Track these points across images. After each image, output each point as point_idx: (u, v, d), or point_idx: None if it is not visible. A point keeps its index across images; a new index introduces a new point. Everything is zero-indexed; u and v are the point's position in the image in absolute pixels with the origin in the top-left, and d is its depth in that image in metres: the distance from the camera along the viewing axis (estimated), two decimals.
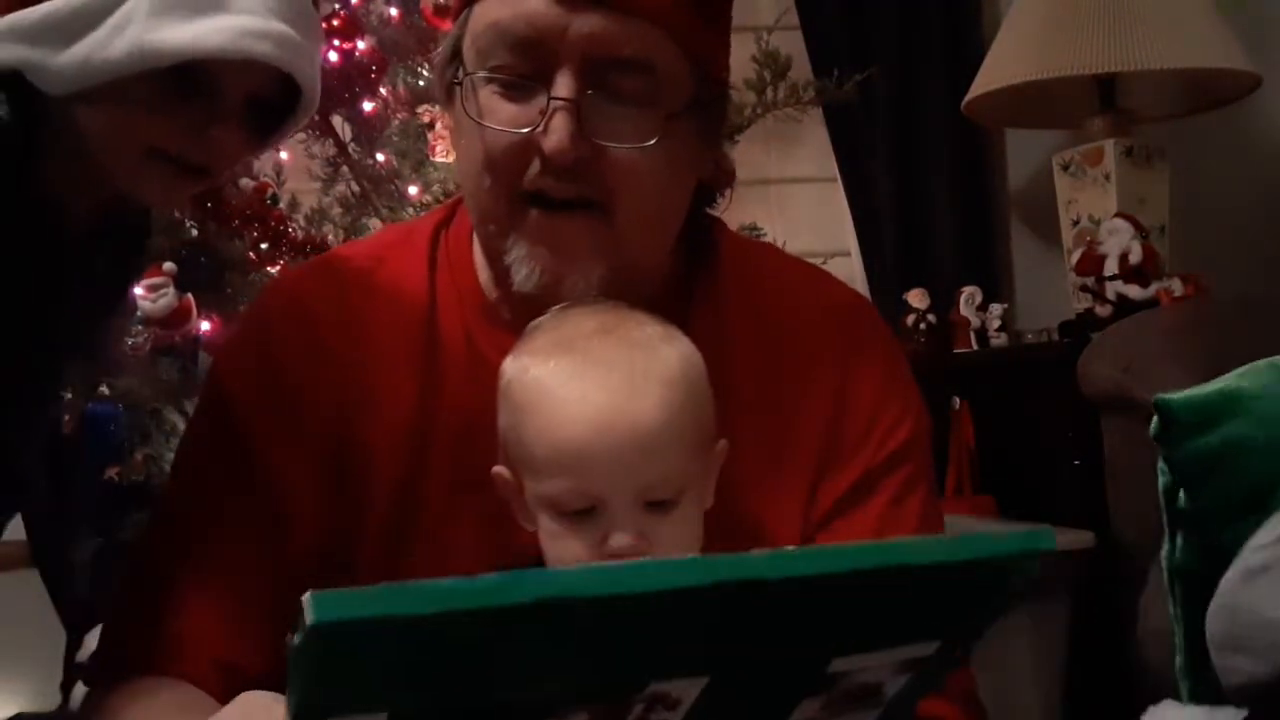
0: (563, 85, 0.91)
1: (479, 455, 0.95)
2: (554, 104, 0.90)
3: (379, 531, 0.99)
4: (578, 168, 0.91)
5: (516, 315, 0.97)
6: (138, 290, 1.94)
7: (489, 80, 0.93)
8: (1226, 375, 1.30)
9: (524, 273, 0.94)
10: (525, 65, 0.92)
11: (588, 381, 0.85)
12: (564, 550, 0.86)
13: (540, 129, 0.91)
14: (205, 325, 2.11)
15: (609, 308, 0.92)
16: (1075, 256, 2.43)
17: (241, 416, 1.01)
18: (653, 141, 0.92)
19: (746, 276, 1.07)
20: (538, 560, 0.89)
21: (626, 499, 0.84)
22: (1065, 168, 2.54)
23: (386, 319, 1.02)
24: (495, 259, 0.97)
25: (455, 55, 0.97)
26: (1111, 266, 2.32)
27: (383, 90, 2.27)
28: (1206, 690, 1.22)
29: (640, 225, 0.96)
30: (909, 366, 1.09)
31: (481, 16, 0.93)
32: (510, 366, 0.90)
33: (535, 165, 0.92)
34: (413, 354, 1.01)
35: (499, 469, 0.91)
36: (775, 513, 1.00)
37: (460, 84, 0.95)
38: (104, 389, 2.05)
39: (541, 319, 0.92)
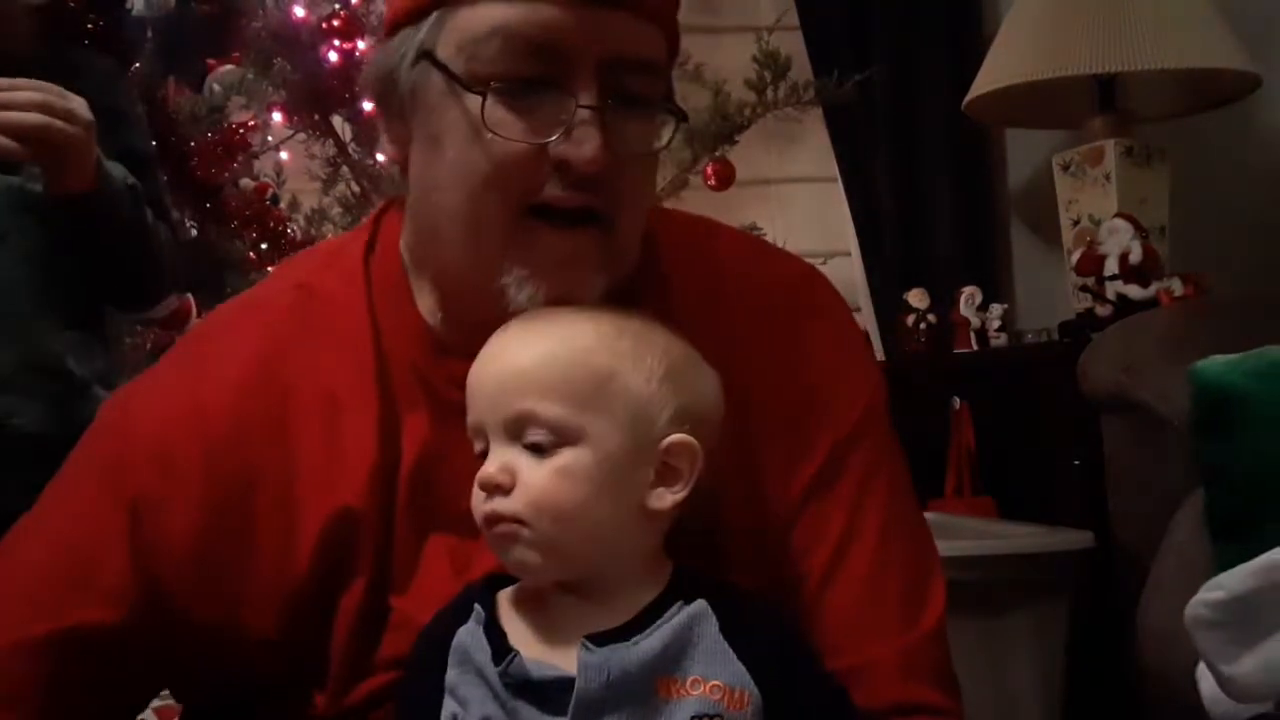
0: (587, 93, 0.86)
1: (436, 489, 0.91)
2: (580, 113, 0.85)
3: (362, 591, 0.91)
4: (599, 177, 0.87)
5: (467, 340, 0.90)
6: None
7: (495, 90, 0.86)
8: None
9: (527, 293, 0.88)
10: (537, 71, 0.86)
11: (501, 334, 0.87)
12: (473, 496, 0.86)
13: (561, 139, 0.86)
14: None
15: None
16: (1075, 256, 2.43)
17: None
18: (659, 145, 0.90)
19: (687, 258, 1.01)
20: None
21: (500, 436, 0.85)
22: (1065, 168, 2.54)
23: (334, 363, 0.94)
24: (483, 281, 0.89)
25: (423, 57, 0.89)
26: (1111, 266, 2.32)
27: None
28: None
29: (633, 233, 0.92)
30: (861, 334, 1.05)
31: (477, 20, 0.87)
32: None
33: (548, 176, 0.87)
34: (367, 393, 0.93)
35: None
36: (739, 492, 0.95)
37: (416, 89, 0.89)
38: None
39: None
